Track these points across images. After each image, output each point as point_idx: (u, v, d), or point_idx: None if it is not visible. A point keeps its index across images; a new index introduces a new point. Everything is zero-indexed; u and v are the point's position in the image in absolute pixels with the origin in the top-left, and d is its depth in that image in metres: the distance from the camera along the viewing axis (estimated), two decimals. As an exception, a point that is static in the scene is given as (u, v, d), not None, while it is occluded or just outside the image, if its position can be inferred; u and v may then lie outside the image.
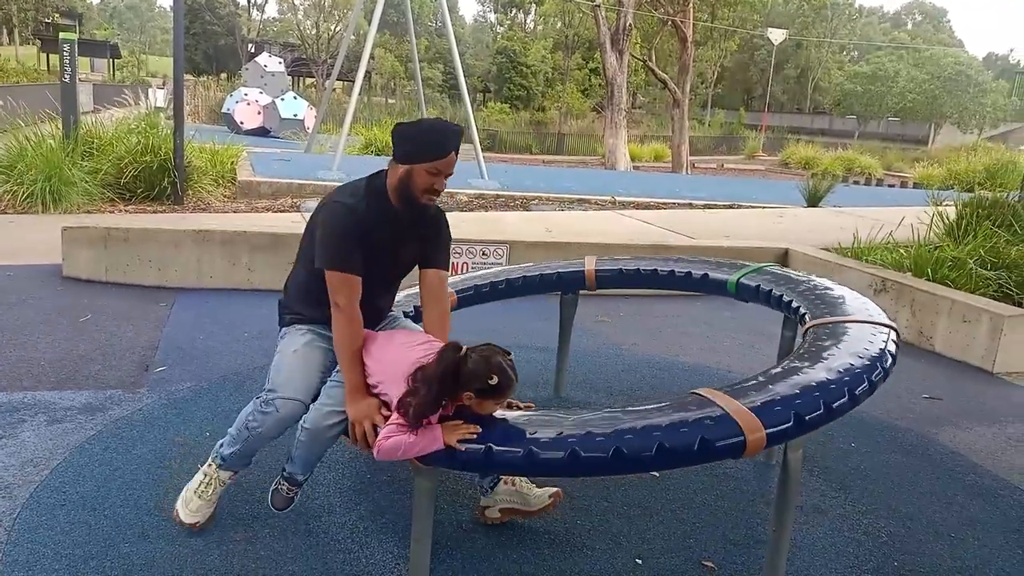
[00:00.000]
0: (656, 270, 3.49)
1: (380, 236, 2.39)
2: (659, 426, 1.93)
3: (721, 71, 54.68)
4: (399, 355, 2.23)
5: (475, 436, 2.01)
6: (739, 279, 3.21)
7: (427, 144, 2.35)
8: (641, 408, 2.07)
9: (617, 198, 10.15)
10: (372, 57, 15.98)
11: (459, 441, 2.00)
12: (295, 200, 8.60)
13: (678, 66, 24.04)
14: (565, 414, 2.09)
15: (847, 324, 2.47)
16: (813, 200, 10.52)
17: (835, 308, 2.65)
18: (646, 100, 52.83)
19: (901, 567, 2.54)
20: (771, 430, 1.93)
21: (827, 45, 56.70)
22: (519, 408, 2.41)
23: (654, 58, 26.09)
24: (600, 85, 37.18)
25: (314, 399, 2.37)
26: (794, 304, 2.84)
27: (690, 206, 10.10)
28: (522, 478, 2.60)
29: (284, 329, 2.57)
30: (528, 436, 1.98)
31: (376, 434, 2.12)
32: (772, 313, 3.20)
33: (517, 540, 2.55)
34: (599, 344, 4.70)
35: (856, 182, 22.63)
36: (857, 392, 2.10)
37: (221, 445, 2.54)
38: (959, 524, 2.85)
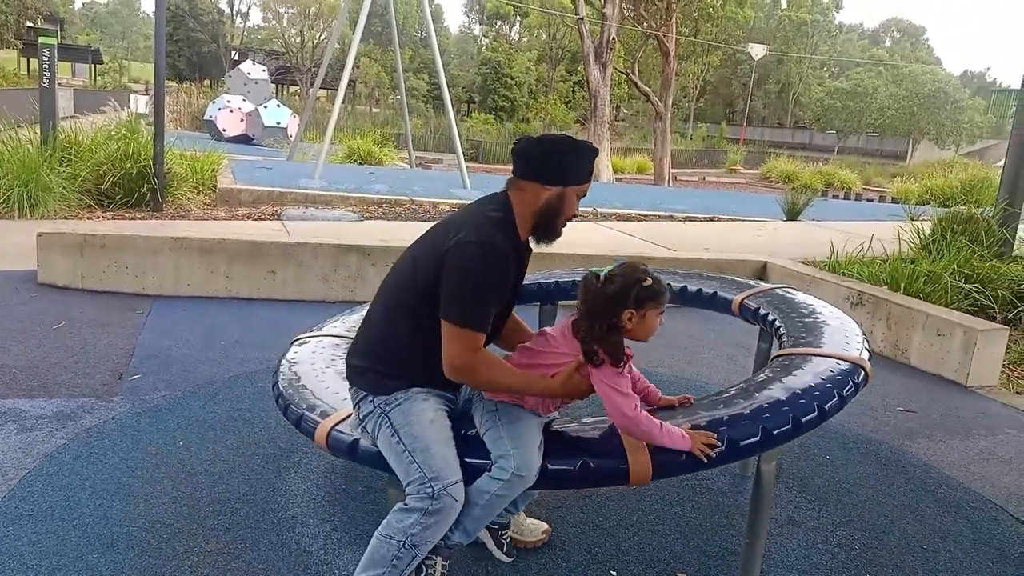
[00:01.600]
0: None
1: (514, 278, 2.05)
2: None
3: (703, 85, 55.19)
4: (532, 355, 2.10)
5: (719, 445, 1.97)
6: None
7: (582, 162, 2.08)
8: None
9: (599, 210, 10.19)
10: (356, 66, 15.98)
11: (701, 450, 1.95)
12: (276, 208, 8.55)
13: (661, 80, 24.24)
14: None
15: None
16: (792, 214, 10.62)
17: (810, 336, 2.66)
18: (629, 113, 53.22)
19: (873, 579, 2.56)
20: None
21: (807, 61, 57.41)
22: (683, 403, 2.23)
23: (637, 71, 26.29)
24: (584, 97, 37.38)
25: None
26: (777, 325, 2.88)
27: (671, 218, 10.16)
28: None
29: (385, 398, 2.05)
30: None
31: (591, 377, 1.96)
32: (748, 327, 3.23)
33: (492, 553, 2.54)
34: (578, 355, 4.70)
35: (835, 196, 22.88)
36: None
37: None
38: (931, 537, 2.87)
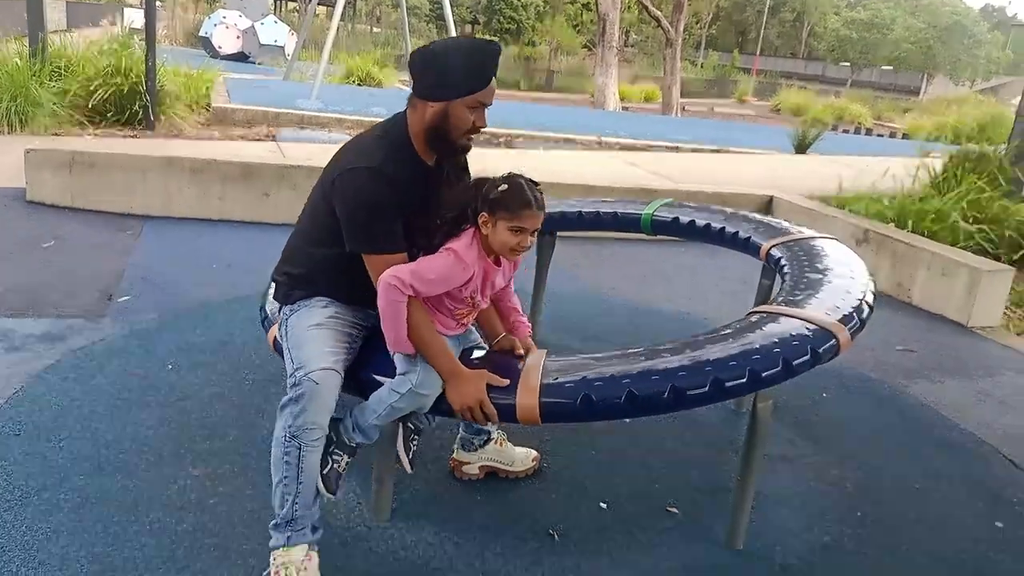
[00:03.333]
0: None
1: (412, 198, 1.99)
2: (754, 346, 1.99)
3: (716, 11, 53.61)
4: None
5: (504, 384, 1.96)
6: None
7: (466, 71, 1.94)
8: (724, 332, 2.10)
9: (603, 138, 9.97)
10: (357, -18, 15.43)
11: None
12: (271, 129, 8.36)
13: (672, 4, 23.45)
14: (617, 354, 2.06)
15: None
16: (801, 147, 10.41)
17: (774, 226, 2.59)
18: (639, 39, 51.84)
19: (864, 518, 2.55)
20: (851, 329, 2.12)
21: (825, -11, 55.61)
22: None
23: (648, -5, 25.40)
24: (592, 21, 36.34)
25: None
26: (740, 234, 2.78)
27: (677, 149, 9.95)
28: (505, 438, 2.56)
29: (291, 307, 2.14)
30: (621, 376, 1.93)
31: (492, 409, 1.95)
32: (754, 261, 3.14)
33: (481, 483, 2.52)
34: (578, 288, 4.64)
35: (845, 131, 22.46)
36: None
37: (274, 526, 2.00)
38: (924, 477, 2.86)
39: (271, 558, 1.99)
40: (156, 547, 2.10)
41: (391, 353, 2.02)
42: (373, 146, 2.01)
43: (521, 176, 1.98)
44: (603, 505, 2.48)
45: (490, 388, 1.97)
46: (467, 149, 2.07)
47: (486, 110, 2.01)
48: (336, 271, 2.08)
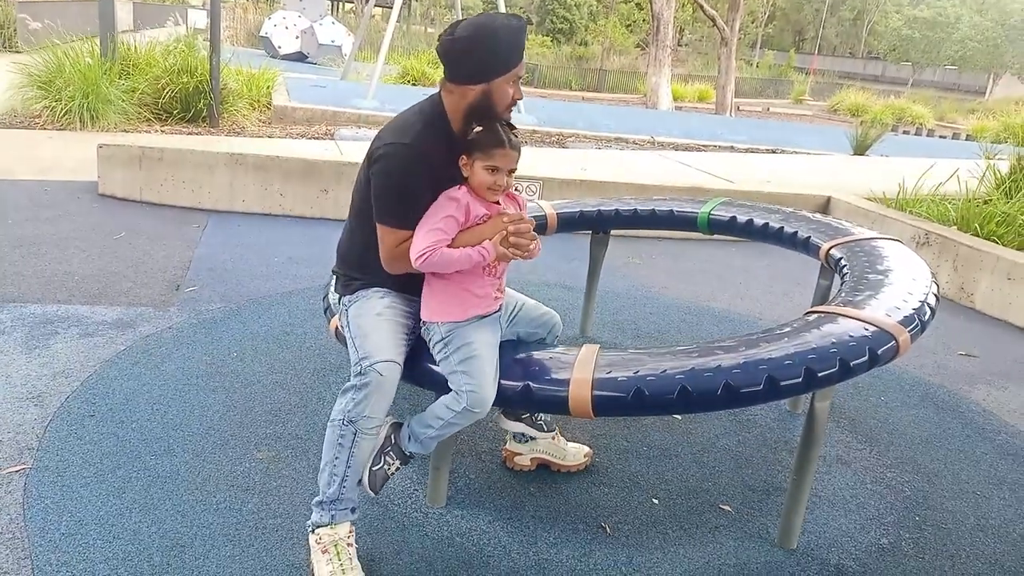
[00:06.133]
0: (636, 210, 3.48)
1: (445, 174, 2.03)
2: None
3: (773, 10, 52.61)
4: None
5: (529, 226, 2.01)
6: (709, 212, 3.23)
7: (505, 52, 1.98)
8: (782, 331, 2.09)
9: (656, 138, 9.91)
10: (412, -17, 15.60)
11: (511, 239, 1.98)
12: (329, 127, 8.53)
13: (728, 3, 23.13)
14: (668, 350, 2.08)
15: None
16: (861, 148, 10.17)
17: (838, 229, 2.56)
18: (693, 38, 51.19)
19: (922, 522, 2.51)
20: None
21: (887, -14, 54.08)
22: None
23: (703, -7, 25.08)
24: (645, 20, 36.04)
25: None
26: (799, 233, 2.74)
27: (731, 149, 9.84)
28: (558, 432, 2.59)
29: (350, 297, 2.20)
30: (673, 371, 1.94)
31: (525, 225, 2.01)
32: (808, 261, 3.11)
33: (534, 474, 2.56)
34: (629, 286, 4.64)
35: (906, 132, 21.84)
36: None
37: (319, 504, 2.06)
38: (985, 483, 2.80)
39: (314, 535, 2.04)
40: (222, 526, 2.19)
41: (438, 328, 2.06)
42: (409, 124, 2.05)
43: (500, 120, 2.01)
44: (655, 501, 2.49)
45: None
46: (507, 118, 2.09)
47: (520, 80, 2.06)
48: (374, 256, 2.12)
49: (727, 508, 2.49)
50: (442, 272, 2.02)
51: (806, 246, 3.02)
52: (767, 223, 3.18)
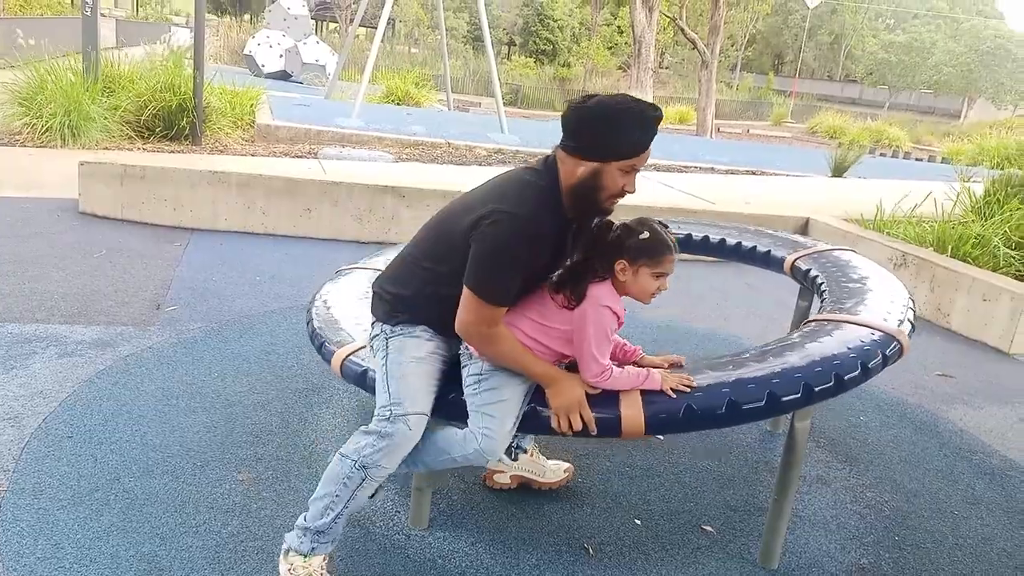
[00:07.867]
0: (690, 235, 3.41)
1: (547, 253, 1.92)
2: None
3: (753, 34, 53.40)
4: (538, 329, 2.01)
5: (691, 387, 1.96)
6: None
7: (628, 135, 1.84)
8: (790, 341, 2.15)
9: (638, 159, 9.99)
10: (396, 4, 15.71)
11: (673, 389, 1.94)
12: (313, 146, 8.53)
13: (708, 26, 23.48)
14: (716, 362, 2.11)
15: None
16: (839, 170, 10.32)
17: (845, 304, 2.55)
18: (674, 60, 51.80)
19: (902, 541, 2.53)
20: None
21: (863, 11, 55.13)
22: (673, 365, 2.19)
23: (684, 17, 25.47)
24: (627, 43, 36.48)
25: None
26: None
27: (712, 170, 9.95)
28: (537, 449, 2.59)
29: (392, 328, 2.07)
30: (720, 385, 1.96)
31: (590, 414, 1.93)
32: (787, 283, 3.15)
33: (516, 494, 2.56)
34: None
35: (883, 154, 22.19)
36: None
37: (303, 529, 2.00)
38: (963, 502, 2.83)
39: (287, 562, 2.00)
40: (202, 548, 2.17)
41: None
42: (525, 196, 1.90)
43: (653, 220, 2.00)
44: (638, 522, 2.50)
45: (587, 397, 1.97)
46: (609, 213, 1.98)
47: (636, 175, 1.92)
48: (447, 310, 1.97)
49: (709, 529, 2.50)
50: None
51: (767, 260, 3.10)
52: (724, 239, 3.24)
